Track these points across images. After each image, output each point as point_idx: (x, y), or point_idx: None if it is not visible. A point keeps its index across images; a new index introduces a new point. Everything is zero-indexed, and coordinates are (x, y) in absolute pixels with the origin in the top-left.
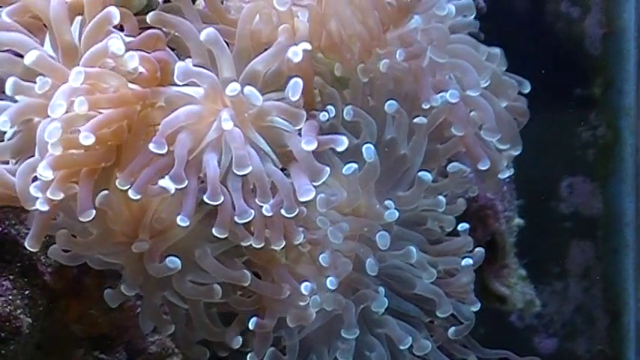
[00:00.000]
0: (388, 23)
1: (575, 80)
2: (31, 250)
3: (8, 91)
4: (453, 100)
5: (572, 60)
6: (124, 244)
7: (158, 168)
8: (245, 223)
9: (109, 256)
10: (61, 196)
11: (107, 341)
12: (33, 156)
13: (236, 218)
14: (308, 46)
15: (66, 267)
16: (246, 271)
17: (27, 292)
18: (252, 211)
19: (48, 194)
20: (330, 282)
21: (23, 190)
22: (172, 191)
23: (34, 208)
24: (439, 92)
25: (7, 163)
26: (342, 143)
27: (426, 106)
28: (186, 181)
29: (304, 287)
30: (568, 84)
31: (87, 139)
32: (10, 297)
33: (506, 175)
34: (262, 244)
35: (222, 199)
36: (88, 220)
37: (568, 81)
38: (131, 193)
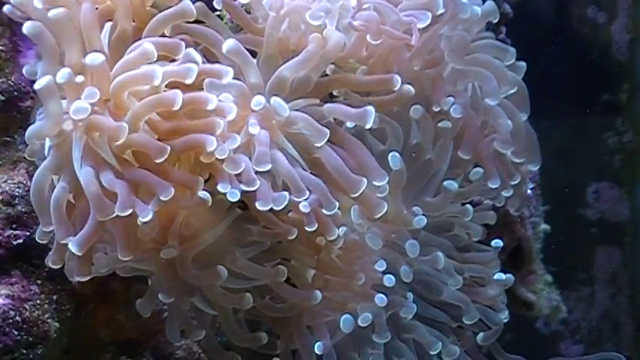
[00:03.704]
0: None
1: (602, 86)
2: (124, 259)
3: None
4: (456, 115)
5: (598, 65)
6: (154, 250)
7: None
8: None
9: (139, 262)
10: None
11: (134, 346)
12: (71, 168)
13: (273, 205)
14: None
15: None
16: (281, 266)
17: (55, 296)
18: (286, 193)
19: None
20: (388, 279)
21: (98, 199)
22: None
23: (111, 217)
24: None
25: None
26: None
27: (436, 109)
28: None
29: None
30: (594, 89)
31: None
32: (38, 301)
33: (529, 188)
34: (315, 227)
35: (258, 183)
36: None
37: (594, 86)
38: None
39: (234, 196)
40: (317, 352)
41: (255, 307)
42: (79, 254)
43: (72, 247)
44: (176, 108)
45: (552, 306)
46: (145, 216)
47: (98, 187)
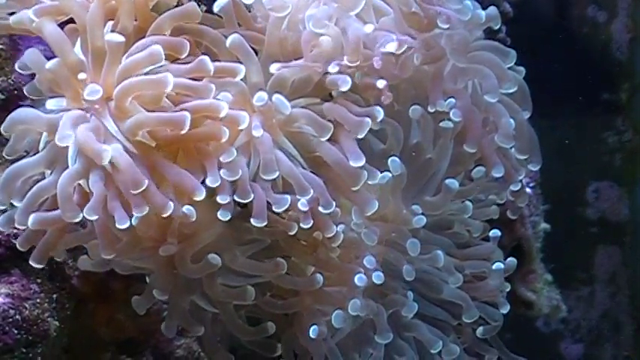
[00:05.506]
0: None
1: (602, 85)
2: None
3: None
4: (456, 119)
5: (598, 65)
6: (153, 248)
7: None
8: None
9: (138, 260)
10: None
11: (134, 345)
12: (65, 164)
13: (274, 208)
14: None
15: (93, 270)
16: (280, 259)
17: (55, 295)
18: (288, 196)
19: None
20: (377, 276)
21: (66, 203)
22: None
23: (76, 221)
24: (450, 97)
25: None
26: (379, 113)
27: (431, 109)
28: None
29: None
30: (594, 89)
31: None
32: (38, 300)
33: (527, 191)
34: (311, 224)
35: (252, 196)
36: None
37: (594, 86)
38: None
39: (225, 216)
40: (312, 335)
41: (256, 305)
42: (28, 227)
43: (29, 221)
44: (184, 132)
45: (552, 305)
46: (122, 224)
47: (71, 193)
